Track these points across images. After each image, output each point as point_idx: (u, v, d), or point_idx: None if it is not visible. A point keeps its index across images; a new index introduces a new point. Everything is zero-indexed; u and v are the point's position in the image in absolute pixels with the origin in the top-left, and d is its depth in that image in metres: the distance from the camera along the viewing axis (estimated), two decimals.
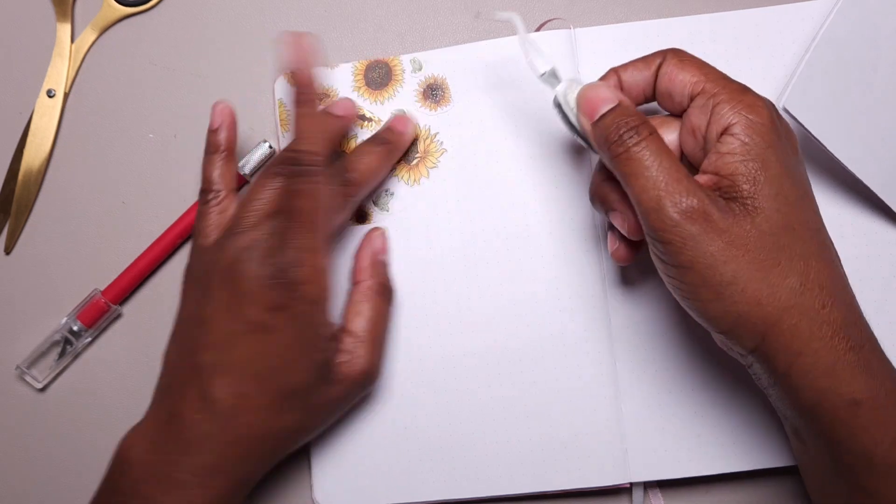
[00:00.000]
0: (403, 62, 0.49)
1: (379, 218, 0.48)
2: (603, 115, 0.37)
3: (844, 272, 0.36)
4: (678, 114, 0.39)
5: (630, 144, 0.35)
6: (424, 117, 0.48)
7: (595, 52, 0.48)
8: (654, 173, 0.35)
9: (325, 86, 0.49)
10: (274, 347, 0.39)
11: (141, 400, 0.49)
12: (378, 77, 0.49)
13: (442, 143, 0.48)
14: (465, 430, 0.46)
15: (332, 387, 0.42)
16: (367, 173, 0.45)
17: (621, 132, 0.36)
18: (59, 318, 0.49)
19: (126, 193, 0.50)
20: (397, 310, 0.47)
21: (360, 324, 0.43)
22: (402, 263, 0.47)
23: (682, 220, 0.34)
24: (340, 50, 0.50)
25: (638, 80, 0.40)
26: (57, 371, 0.49)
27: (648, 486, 0.46)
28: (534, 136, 0.47)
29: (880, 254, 0.46)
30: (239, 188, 0.49)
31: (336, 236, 0.46)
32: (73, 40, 0.51)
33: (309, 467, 0.47)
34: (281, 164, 0.42)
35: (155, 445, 0.39)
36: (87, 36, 0.51)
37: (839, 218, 0.46)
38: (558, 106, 0.40)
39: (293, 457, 0.47)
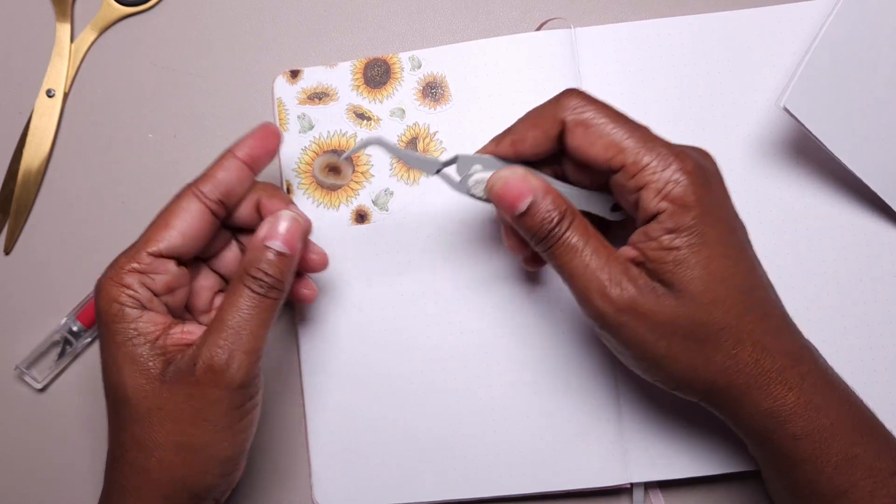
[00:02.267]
0: (402, 60, 0.49)
1: (378, 217, 0.48)
2: (523, 214, 0.37)
3: (782, 312, 0.38)
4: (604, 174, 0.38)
5: (557, 239, 0.36)
6: (424, 116, 0.48)
7: (595, 52, 0.48)
8: (580, 263, 0.36)
9: (324, 85, 0.49)
10: (101, 352, 0.38)
11: None
12: (377, 75, 0.49)
13: (441, 141, 0.48)
14: (465, 430, 0.46)
15: (172, 384, 0.37)
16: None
17: (549, 227, 0.36)
18: (59, 318, 0.49)
19: (126, 193, 0.50)
20: (397, 309, 0.47)
21: (216, 316, 0.38)
22: (401, 262, 0.47)
23: (611, 310, 0.36)
24: (340, 49, 0.50)
25: (539, 151, 0.38)
26: (57, 371, 0.49)
27: (648, 486, 0.46)
28: None
29: (880, 254, 0.46)
30: None
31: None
32: (72, 40, 0.51)
33: (309, 467, 0.47)
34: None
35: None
36: (87, 36, 0.51)
37: (839, 218, 0.46)
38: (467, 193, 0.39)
39: (293, 457, 0.47)
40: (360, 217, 0.48)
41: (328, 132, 0.49)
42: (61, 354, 0.48)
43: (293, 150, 0.49)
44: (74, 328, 0.48)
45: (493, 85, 0.48)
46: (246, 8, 0.51)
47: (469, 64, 0.48)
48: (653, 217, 0.36)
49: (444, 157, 0.40)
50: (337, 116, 0.49)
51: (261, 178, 0.50)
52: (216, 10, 0.51)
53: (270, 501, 0.47)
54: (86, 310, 0.48)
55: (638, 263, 0.37)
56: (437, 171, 0.39)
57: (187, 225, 0.39)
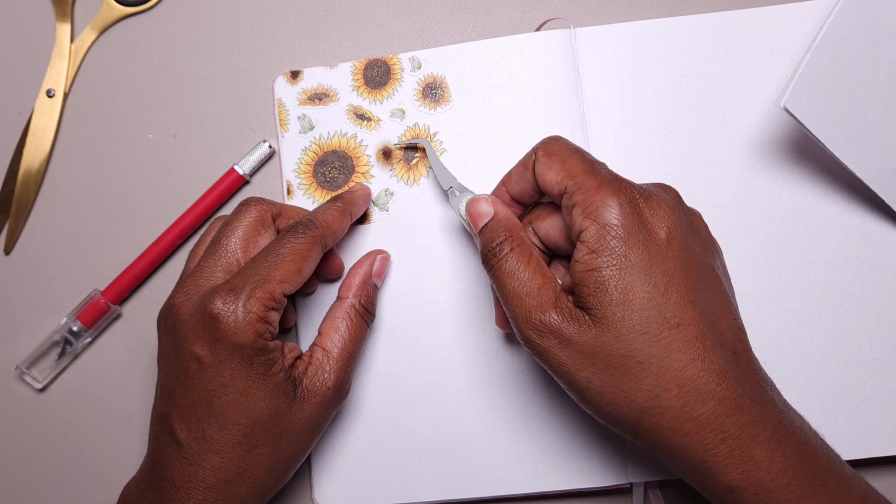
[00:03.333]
0: (402, 61, 0.49)
1: (378, 217, 0.48)
2: (480, 230, 0.40)
3: (727, 356, 0.35)
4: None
5: (497, 259, 0.38)
6: (424, 116, 0.48)
7: (595, 52, 0.48)
8: (513, 286, 0.37)
9: (325, 86, 0.49)
10: (220, 382, 0.38)
11: (141, 400, 0.49)
12: (377, 76, 0.49)
13: (441, 142, 0.48)
14: (465, 430, 0.46)
15: (300, 405, 0.40)
16: (326, 224, 0.44)
17: (491, 246, 0.39)
18: (59, 319, 0.49)
19: (126, 193, 0.50)
20: (397, 309, 0.47)
21: (334, 340, 0.43)
22: (401, 262, 0.47)
23: (534, 334, 0.36)
24: (340, 49, 0.50)
25: (524, 185, 0.41)
26: (57, 371, 0.49)
27: (648, 485, 0.46)
28: (533, 134, 0.47)
29: (880, 254, 0.46)
30: (238, 189, 0.49)
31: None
32: (72, 40, 0.51)
33: (309, 467, 0.47)
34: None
35: (143, 494, 0.40)
36: (87, 36, 0.51)
37: (839, 218, 0.46)
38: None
39: None
40: (361, 217, 0.48)
41: (328, 133, 0.49)
42: (61, 354, 0.48)
43: (293, 151, 0.49)
44: (74, 328, 0.48)
45: (494, 85, 0.48)
46: (246, 8, 0.51)
47: (469, 64, 0.48)
48: (579, 236, 0.36)
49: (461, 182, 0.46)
50: (337, 117, 0.49)
51: (260, 178, 0.50)
52: (216, 10, 0.51)
53: (271, 501, 0.47)
54: (86, 310, 0.48)
55: (570, 291, 0.37)
56: (449, 188, 0.45)
57: (309, 272, 0.41)
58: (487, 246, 0.39)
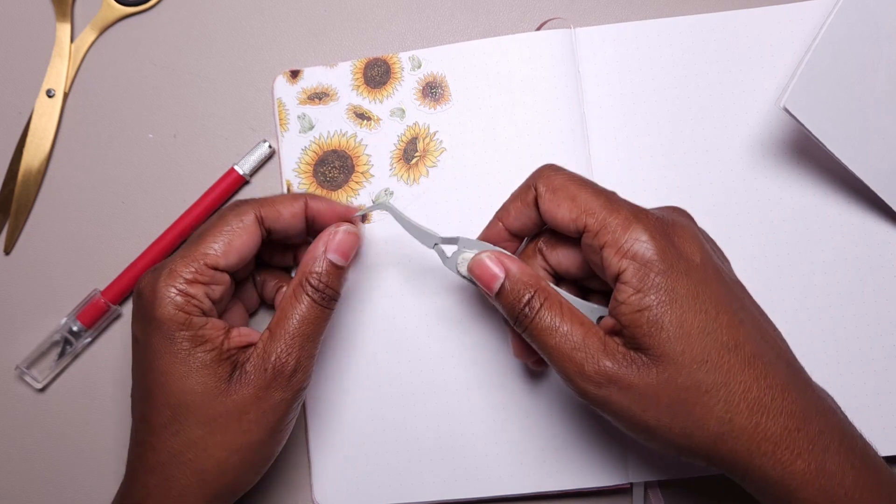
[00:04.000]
0: (402, 60, 0.49)
1: (378, 217, 0.48)
2: (497, 293, 0.38)
3: (783, 368, 0.36)
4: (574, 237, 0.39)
5: (530, 319, 0.37)
6: (424, 116, 0.48)
7: (595, 52, 0.48)
8: (556, 342, 0.36)
9: (325, 85, 0.49)
10: (148, 360, 0.38)
11: None
12: (377, 75, 0.49)
13: (441, 142, 0.48)
14: (465, 430, 0.46)
15: (237, 388, 0.38)
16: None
17: (519, 308, 0.37)
18: (59, 318, 0.49)
19: (126, 193, 0.50)
20: (397, 309, 0.47)
21: (277, 320, 0.40)
22: (401, 262, 0.47)
23: (592, 386, 0.35)
24: (340, 49, 0.50)
25: (524, 221, 0.40)
26: (57, 371, 0.49)
27: (648, 485, 0.46)
28: (534, 134, 0.47)
29: (881, 254, 0.46)
30: (238, 189, 0.49)
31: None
32: (72, 40, 0.51)
33: (309, 467, 0.47)
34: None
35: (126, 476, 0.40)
36: (87, 36, 0.51)
37: (839, 218, 0.46)
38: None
39: (293, 457, 0.47)
40: (361, 217, 0.48)
41: (328, 132, 0.49)
42: (61, 354, 0.48)
43: (293, 151, 0.49)
44: (74, 328, 0.48)
45: (493, 85, 0.48)
46: (246, 8, 0.51)
47: (469, 64, 0.48)
48: (617, 278, 0.36)
49: (445, 235, 0.42)
50: (337, 116, 0.49)
51: (260, 178, 0.50)
52: (216, 10, 0.51)
53: (271, 501, 0.47)
54: (86, 310, 0.48)
55: (616, 333, 0.36)
56: (435, 245, 0.42)
57: (243, 244, 0.40)
58: (515, 308, 0.37)
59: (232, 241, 0.40)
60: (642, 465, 0.45)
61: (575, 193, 0.37)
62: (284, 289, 0.45)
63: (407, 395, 0.46)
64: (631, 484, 0.45)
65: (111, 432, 0.49)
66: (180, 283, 0.38)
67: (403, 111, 0.48)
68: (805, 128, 0.43)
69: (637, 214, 0.36)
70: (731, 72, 0.47)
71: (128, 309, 0.49)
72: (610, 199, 0.37)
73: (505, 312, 0.38)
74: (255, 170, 0.49)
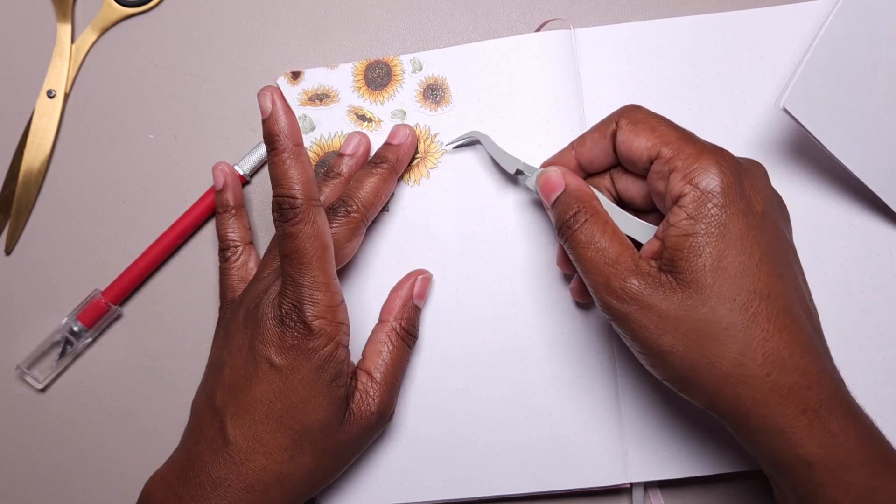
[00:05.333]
0: (403, 62, 0.49)
1: (379, 217, 0.48)
2: (553, 202, 0.40)
3: (810, 330, 0.36)
4: (644, 176, 0.40)
5: (572, 230, 0.38)
6: (424, 118, 0.48)
7: (595, 53, 0.48)
8: (590, 255, 0.37)
9: (325, 87, 0.49)
10: (287, 387, 0.39)
11: (141, 400, 0.49)
12: (378, 77, 0.49)
13: (442, 143, 0.48)
14: (465, 430, 0.46)
15: (346, 426, 0.41)
16: (369, 198, 0.44)
17: (565, 218, 0.39)
18: (60, 319, 0.49)
19: (126, 193, 0.50)
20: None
21: (377, 365, 0.43)
22: (401, 262, 0.47)
23: (615, 300, 0.36)
24: (340, 50, 0.51)
25: (597, 152, 0.41)
26: (57, 371, 0.49)
27: (648, 486, 0.46)
28: (534, 136, 0.47)
29: (880, 254, 0.46)
30: None
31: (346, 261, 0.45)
32: (73, 41, 0.51)
33: None
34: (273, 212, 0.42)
35: (172, 489, 0.40)
36: (88, 36, 0.51)
37: (839, 218, 0.46)
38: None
39: None
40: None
41: (329, 133, 0.49)
42: (62, 354, 0.48)
43: None
44: (75, 328, 0.48)
45: (494, 87, 0.48)
46: (246, 8, 0.51)
47: (469, 66, 0.48)
48: (676, 201, 0.36)
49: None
50: (338, 118, 0.49)
51: (261, 178, 0.50)
52: (217, 10, 0.51)
53: None
54: (87, 310, 0.48)
55: (657, 258, 0.36)
56: (516, 171, 0.45)
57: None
58: (562, 218, 0.39)
59: (349, 256, 0.44)
60: (642, 464, 0.45)
61: (656, 125, 0.38)
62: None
63: (407, 395, 0.46)
64: (631, 484, 0.45)
65: (111, 432, 0.49)
66: (342, 318, 0.40)
67: (404, 113, 0.48)
68: (804, 128, 0.43)
69: (713, 149, 0.37)
70: (730, 72, 0.47)
71: (128, 309, 0.49)
72: (689, 133, 0.38)
73: (554, 222, 0.40)
74: (256, 170, 0.49)
